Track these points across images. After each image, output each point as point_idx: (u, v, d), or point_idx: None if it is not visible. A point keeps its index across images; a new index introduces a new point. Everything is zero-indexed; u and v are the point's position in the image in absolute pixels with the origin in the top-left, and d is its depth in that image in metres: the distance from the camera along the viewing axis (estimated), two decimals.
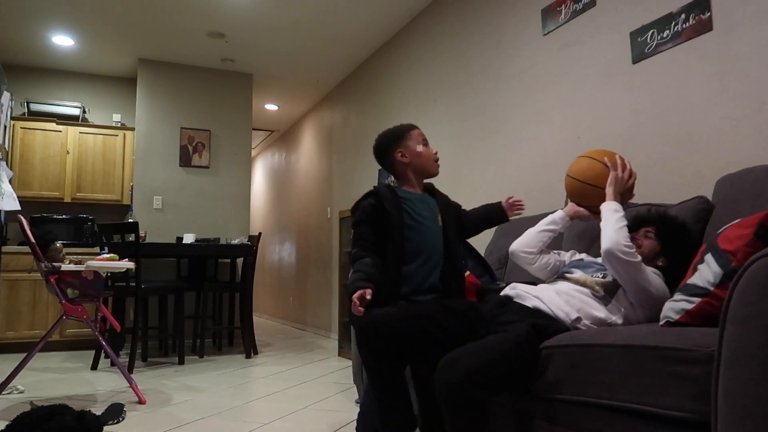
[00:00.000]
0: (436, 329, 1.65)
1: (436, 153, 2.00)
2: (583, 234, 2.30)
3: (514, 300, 1.74)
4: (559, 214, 1.94)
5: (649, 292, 1.62)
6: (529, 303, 1.69)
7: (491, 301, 1.81)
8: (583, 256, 1.98)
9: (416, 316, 1.66)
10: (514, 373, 1.48)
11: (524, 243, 1.92)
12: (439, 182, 2.22)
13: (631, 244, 1.61)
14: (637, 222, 1.82)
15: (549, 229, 1.92)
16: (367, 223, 1.84)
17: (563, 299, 1.65)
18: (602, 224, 1.70)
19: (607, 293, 1.67)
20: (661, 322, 1.41)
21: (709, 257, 1.36)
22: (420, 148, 1.95)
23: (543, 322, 1.59)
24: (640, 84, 2.53)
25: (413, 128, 1.99)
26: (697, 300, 1.33)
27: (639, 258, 1.60)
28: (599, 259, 1.85)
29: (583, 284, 1.72)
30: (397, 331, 1.60)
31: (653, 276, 1.64)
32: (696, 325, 1.32)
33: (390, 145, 1.95)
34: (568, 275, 1.80)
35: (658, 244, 1.76)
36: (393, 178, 2.06)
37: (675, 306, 1.38)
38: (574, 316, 1.61)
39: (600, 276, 1.73)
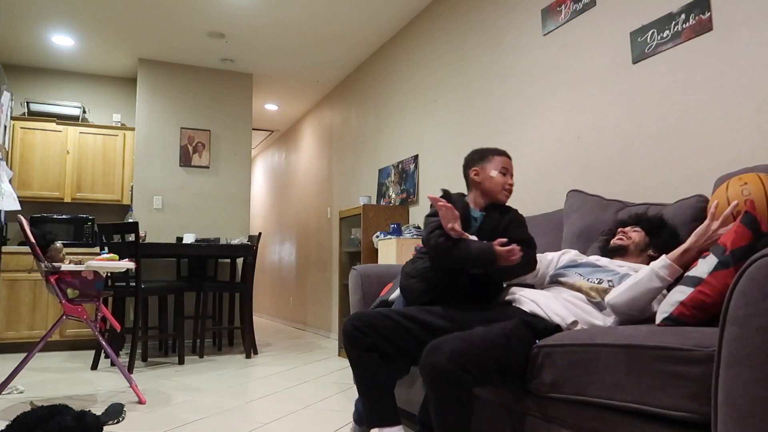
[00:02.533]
0: (416, 326, 1.72)
1: (511, 184, 2.00)
2: (581, 233, 2.30)
3: (513, 305, 1.78)
4: (662, 263, 1.54)
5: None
6: (527, 307, 1.72)
7: (494, 306, 1.84)
8: (574, 255, 1.99)
9: (394, 314, 1.75)
10: (501, 362, 1.49)
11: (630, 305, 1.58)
12: (438, 183, 2.24)
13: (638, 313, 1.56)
14: (623, 222, 1.96)
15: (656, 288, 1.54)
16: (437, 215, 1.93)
17: (560, 303, 1.68)
18: (629, 279, 1.59)
19: (603, 299, 1.69)
20: (658, 320, 1.40)
21: (710, 254, 1.37)
22: (494, 173, 1.98)
23: (534, 320, 1.63)
24: (640, 84, 2.53)
25: (500, 154, 2.02)
26: (690, 290, 1.33)
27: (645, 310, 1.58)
28: (593, 258, 1.89)
29: (578, 290, 1.75)
30: (372, 326, 1.72)
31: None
32: (691, 315, 1.32)
33: (471, 162, 2.04)
34: (562, 279, 1.83)
35: (645, 236, 1.86)
36: (393, 177, 2.12)
37: (669, 299, 1.39)
38: (570, 320, 1.64)
39: (596, 281, 1.75)
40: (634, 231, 1.88)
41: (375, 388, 1.71)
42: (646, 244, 1.84)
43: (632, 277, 1.58)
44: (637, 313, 1.58)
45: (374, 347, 1.72)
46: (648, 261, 1.83)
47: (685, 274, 1.41)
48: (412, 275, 1.97)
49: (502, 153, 2.01)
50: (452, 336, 1.50)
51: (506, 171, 1.98)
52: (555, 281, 1.86)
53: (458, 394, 1.43)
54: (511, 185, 1.99)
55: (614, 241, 1.90)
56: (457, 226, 1.77)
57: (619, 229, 1.92)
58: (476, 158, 2.02)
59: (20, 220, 2.89)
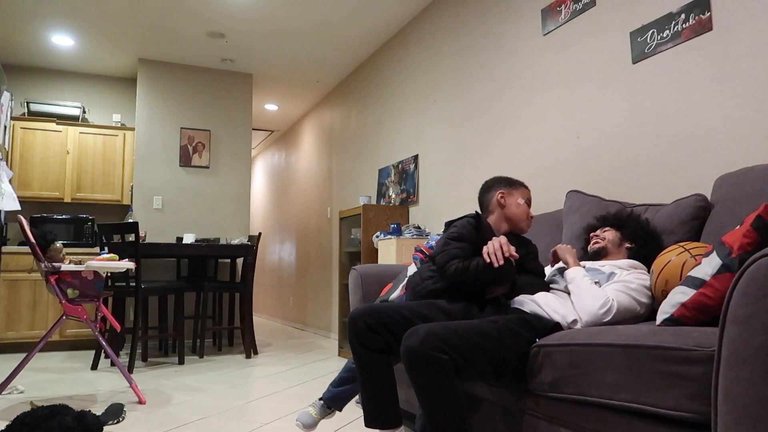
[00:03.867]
0: (422, 322, 1.70)
1: (532, 216, 2.04)
2: (580, 235, 2.30)
3: (512, 305, 1.78)
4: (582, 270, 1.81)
5: (640, 305, 1.68)
6: (527, 308, 1.73)
7: (490, 304, 1.84)
8: (560, 265, 2.02)
9: (404, 310, 1.73)
10: (492, 355, 1.49)
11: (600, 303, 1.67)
12: (438, 183, 2.22)
13: (605, 302, 1.62)
14: (592, 228, 2.05)
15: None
16: (467, 241, 1.86)
17: (559, 303, 1.70)
18: (573, 296, 1.72)
19: None
20: (658, 321, 1.40)
21: (713, 253, 1.35)
22: (521, 201, 2.01)
23: (534, 319, 1.64)
24: (640, 84, 2.53)
25: (526, 187, 2.06)
26: (693, 292, 1.32)
27: (614, 307, 1.62)
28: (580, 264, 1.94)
29: (568, 292, 1.78)
30: (385, 324, 1.69)
31: (631, 296, 1.67)
32: (692, 317, 1.32)
33: (497, 184, 2.04)
34: (553, 286, 1.86)
35: (616, 232, 1.95)
36: (393, 177, 2.11)
37: (671, 299, 1.38)
38: (570, 318, 1.65)
39: None
40: (605, 231, 1.97)
41: (380, 389, 1.68)
42: (620, 239, 1.94)
43: (574, 298, 1.70)
44: (604, 308, 1.61)
45: (387, 348, 1.69)
46: (627, 253, 1.91)
47: (688, 274, 1.40)
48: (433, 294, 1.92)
49: (527, 187, 2.07)
50: (434, 322, 1.51)
51: (529, 203, 2.04)
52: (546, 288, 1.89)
53: (436, 376, 1.41)
54: (533, 218, 2.04)
55: (591, 246, 1.98)
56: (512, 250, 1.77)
57: (591, 234, 2.01)
58: (503, 183, 2.02)
59: (20, 220, 2.89)
